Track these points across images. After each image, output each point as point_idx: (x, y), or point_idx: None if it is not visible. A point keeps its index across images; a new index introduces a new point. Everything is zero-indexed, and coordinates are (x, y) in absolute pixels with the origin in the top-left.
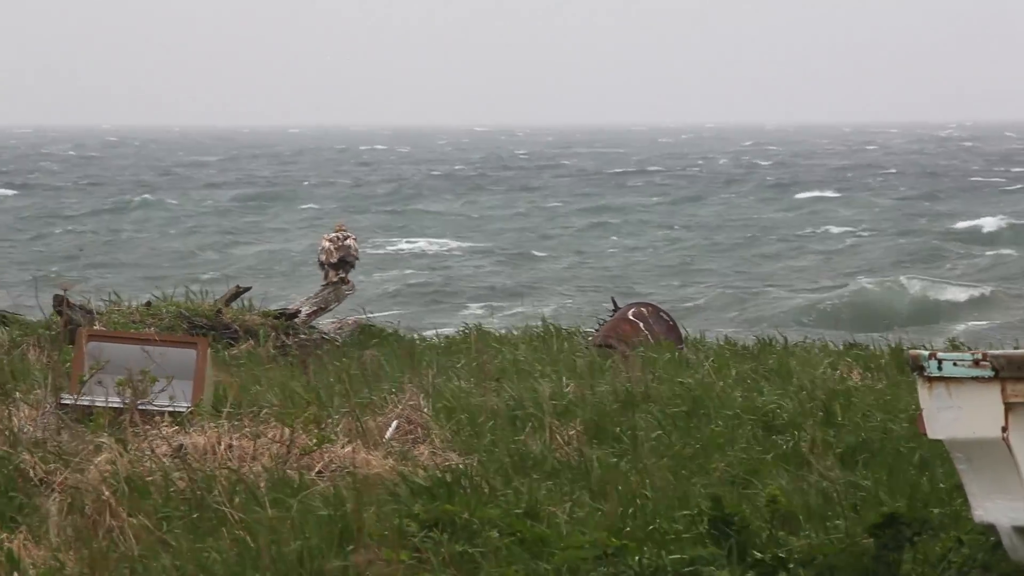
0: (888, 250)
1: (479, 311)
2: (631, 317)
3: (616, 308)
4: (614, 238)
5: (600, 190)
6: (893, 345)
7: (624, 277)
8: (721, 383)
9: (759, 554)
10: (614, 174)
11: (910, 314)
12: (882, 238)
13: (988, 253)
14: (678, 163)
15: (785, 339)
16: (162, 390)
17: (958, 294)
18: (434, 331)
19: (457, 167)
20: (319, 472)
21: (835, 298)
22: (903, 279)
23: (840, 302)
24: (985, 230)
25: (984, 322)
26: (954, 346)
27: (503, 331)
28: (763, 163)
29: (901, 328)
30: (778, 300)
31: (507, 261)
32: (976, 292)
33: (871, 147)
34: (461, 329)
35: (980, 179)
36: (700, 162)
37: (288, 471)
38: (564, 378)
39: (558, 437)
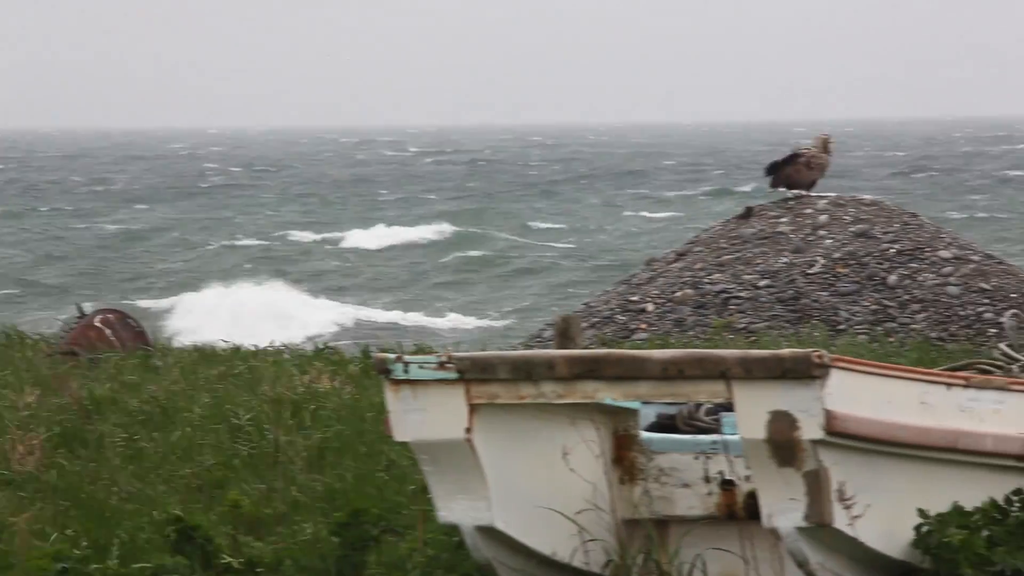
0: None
1: None
2: (97, 324)
3: (82, 315)
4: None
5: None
6: (362, 350)
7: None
8: (188, 388)
9: (226, 559)
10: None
11: None
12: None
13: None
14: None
15: (256, 345)
16: None
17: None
18: None
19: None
20: None
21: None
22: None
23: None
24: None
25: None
26: (421, 349)
27: None
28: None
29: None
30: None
31: None
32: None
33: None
34: None
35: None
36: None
37: None
38: (27, 386)
39: (20, 447)
